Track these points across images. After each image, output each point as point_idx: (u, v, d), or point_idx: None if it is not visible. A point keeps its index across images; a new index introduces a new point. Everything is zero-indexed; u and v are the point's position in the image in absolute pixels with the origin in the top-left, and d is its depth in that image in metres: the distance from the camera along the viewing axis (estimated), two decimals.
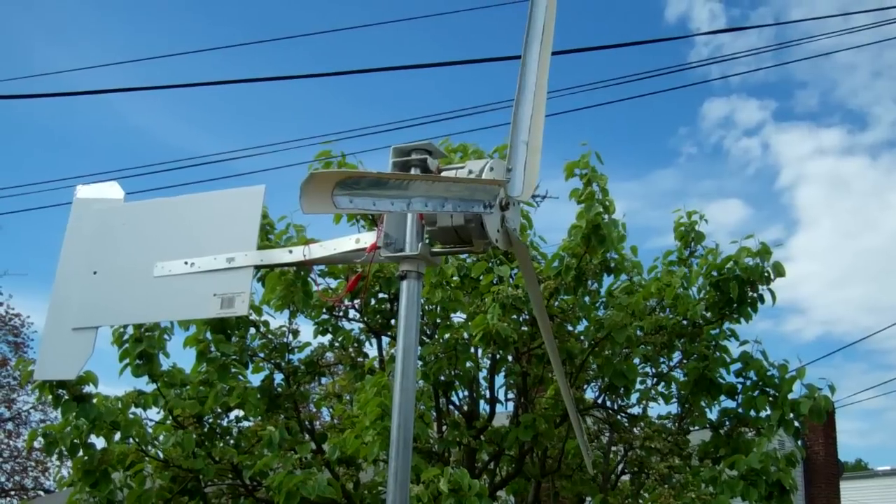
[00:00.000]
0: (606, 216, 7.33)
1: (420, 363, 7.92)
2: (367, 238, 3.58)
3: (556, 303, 7.91)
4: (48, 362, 3.99)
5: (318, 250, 3.74)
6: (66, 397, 6.65)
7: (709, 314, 8.13)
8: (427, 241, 3.50)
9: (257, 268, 3.81)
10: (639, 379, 8.40)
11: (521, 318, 7.75)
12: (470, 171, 3.51)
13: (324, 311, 8.43)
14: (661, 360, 8.54)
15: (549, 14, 3.77)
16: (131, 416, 7.23)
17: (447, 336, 7.78)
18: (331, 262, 4.02)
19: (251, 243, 3.75)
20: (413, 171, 3.50)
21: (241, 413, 8.11)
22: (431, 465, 7.25)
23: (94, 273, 3.94)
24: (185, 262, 3.78)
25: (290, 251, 3.80)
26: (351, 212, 3.05)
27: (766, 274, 7.75)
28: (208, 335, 7.58)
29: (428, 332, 8.60)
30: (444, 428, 8.40)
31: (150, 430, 7.66)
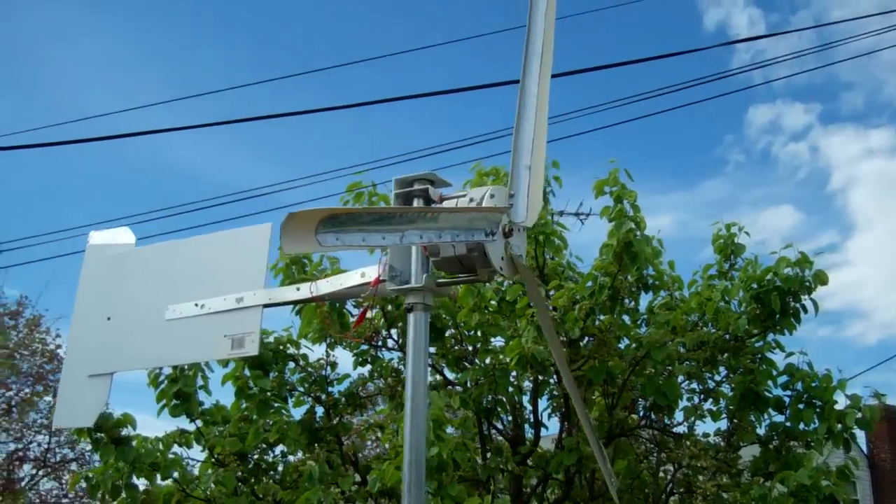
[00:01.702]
0: (639, 233, 7.21)
1: (460, 389, 7.86)
2: (373, 272, 3.54)
3: (597, 322, 7.77)
4: (66, 409, 4.02)
5: (325, 286, 3.71)
6: (105, 440, 6.71)
7: (751, 327, 7.93)
8: (434, 272, 3.45)
9: (266, 306, 3.79)
10: (685, 396, 8.23)
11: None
12: (471, 200, 3.45)
13: (362, 341, 8.41)
14: (707, 375, 8.35)
15: (546, 36, 3.71)
16: (171, 456, 7.26)
17: (487, 361, 7.70)
18: (338, 297, 3.99)
19: (259, 282, 3.74)
20: (415, 202, 3.46)
21: (286, 448, 8.12)
22: (478, 494, 7.17)
23: (108, 319, 3.97)
24: (196, 304, 3.79)
25: (298, 288, 3.78)
26: (338, 249, 3.01)
27: (807, 283, 7.55)
28: (246, 371, 7.62)
29: (468, 359, 8.52)
30: (488, 454, 8.31)
31: (194, 470, 7.71)
